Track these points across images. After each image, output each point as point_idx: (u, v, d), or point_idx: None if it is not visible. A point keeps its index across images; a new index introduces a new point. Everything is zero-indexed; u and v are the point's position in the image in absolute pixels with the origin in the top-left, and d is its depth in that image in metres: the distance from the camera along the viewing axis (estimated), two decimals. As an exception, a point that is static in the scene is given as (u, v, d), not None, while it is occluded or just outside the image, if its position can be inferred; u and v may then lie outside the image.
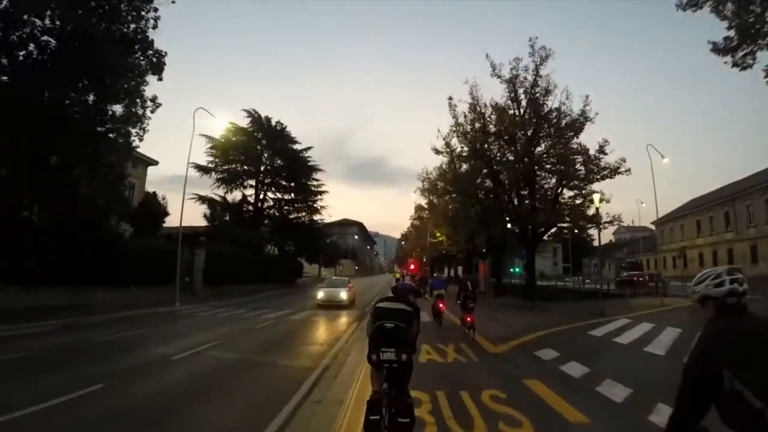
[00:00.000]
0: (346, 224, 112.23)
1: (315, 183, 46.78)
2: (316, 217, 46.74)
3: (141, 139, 19.01)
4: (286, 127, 45.76)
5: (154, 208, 25.90)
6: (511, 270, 61.42)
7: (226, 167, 43.67)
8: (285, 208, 45.83)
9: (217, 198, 41.82)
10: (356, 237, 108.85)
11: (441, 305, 13.05)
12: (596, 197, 17.70)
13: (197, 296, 25.18)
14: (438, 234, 34.25)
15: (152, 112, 18.46)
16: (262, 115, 45.38)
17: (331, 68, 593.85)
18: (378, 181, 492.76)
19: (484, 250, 28.51)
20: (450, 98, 21.36)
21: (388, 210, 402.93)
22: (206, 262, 26.45)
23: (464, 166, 23.53)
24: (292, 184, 45.51)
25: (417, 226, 67.92)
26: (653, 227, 55.62)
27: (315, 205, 46.40)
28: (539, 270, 48.15)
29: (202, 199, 41.46)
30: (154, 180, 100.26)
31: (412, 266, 73.02)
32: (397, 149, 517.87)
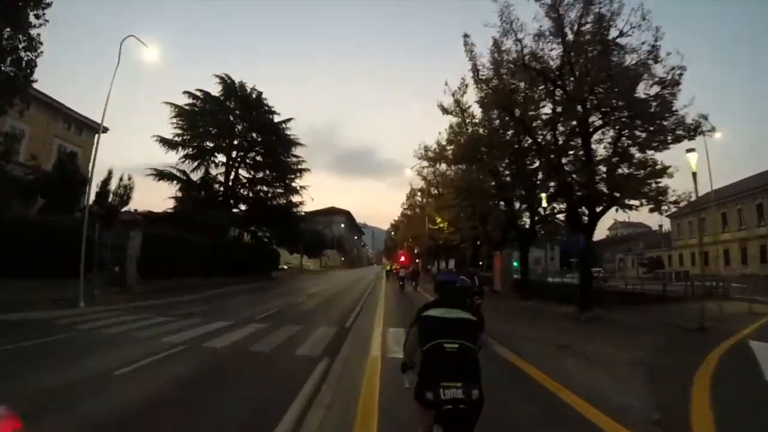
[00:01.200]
0: (332, 213, 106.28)
1: (294, 159, 40.89)
2: (296, 199, 40.85)
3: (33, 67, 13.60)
4: (262, 93, 39.71)
5: (68, 172, 19.71)
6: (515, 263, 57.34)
7: (195, 143, 37.60)
8: (260, 188, 39.83)
9: (176, 173, 35.63)
10: (342, 226, 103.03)
11: None
12: (691, 158, 12.28)
13: (130, 292, 19.41)
14: (438, 219, 28.75)
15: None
16: (236, 81, 39.18)
17: (319, 59, 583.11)
18: (366, 173, 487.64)
19: (496, 238, 23.00)
20: (466, 36, 15.76)
21: (376, 202, 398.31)
22: (144, 248, 20.55)
23: (480, 129, 17.91)
24: (269, 161, 39.52)
25: (409, 216, 62.43)
26: (650, 224, 51.19)
27: (294, 185, 40.49)
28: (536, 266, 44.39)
29: (161, 175, 35.30)
30: (126, 168, 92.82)
31: (402, 258, 68.27)
32: (385, 141, 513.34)
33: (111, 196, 24.37)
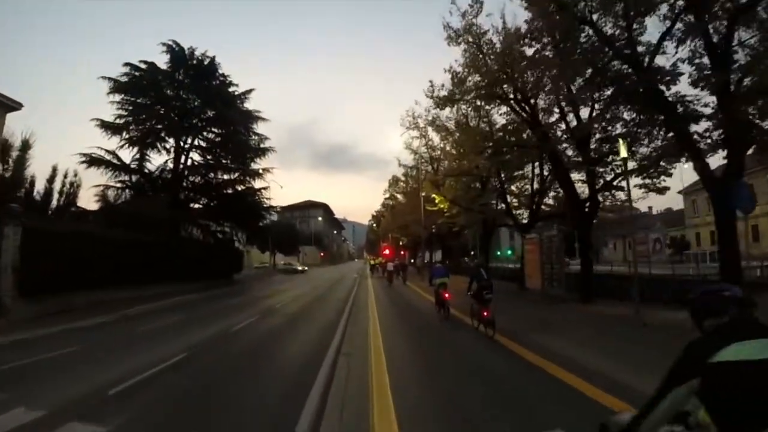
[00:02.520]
0: (309, 206, 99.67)
1: (256, 138, 34.36)
2: (258, 185, 34.34)
3: None
4: (215, 58, 32.92)
5: None
6: (498, 253, 50.37)
7: (141, 125, 30.73)
8: (216, 174, 33.15)
9: (106, 157, 28.72)
10: (320, 219, 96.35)
11: (447, 294, 11.71)
12: None
13: (4, 318, 13.01)
14: (438, 199, 22.98)
15: None
16: (185, 48, 32.27)
17: (294, 56, 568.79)
18: (345, 168, 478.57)
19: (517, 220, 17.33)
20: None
21: (356, 197, 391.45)
22: (27, 252, 14.11)
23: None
24: (227, 140, 32.88)
25: (393, 206, 56.61)
26: (637, 206, 46.78)
27: (256, 168, 33.98)
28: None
29: (91, 162, 28.34)
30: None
31: (386, 251, 62.58)
32: (364, 136, 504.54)
33: (56, 195, 21.90)
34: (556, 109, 12.79)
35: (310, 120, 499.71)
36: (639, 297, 10.69)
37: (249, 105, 34.29)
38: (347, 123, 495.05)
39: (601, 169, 13.45)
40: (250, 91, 34.30)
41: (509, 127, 13.39)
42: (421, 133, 27.72)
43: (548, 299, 13.92)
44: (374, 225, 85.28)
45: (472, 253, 74.50)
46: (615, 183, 13.27)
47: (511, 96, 12.55)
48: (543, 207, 18.02)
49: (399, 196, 55.08)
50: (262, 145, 34.27)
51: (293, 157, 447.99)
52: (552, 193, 17.96)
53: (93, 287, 17.16)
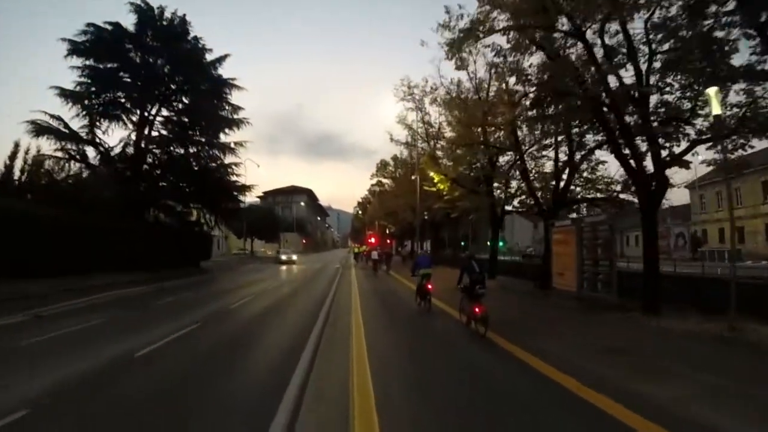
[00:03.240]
0: (292, 192, 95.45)
1: (229, 109, 30.36)
2: (230, 160, 30.40)
3: None
4: (186, 16, 28.70)
5: None
6: (501, 243, 48.52)
7: (105, 94, 26.59)
8: (188, 150, 29.07)
9: (54, 124, 24.51)
10: (302, 204, 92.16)
11: (429, 286, 11.24)
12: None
13: None
14: (436, 178, 19.46)
15: None
16: (155, 8, 27.86)
17: (280, 44, 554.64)
18: (331, 156, 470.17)
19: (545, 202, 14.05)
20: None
21: (342, 185, 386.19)
22: None
23: None
24: (197, 111, 28.76)
25: (381, 192, 53.07)
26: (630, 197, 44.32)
27: (228, 142, 30.02)
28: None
29: (39, 131, 24.06)
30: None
31: (372, 239, 59.38)
32: (349, 126, 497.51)
33: (19, 173, 21.24)
34: (624, 50, 9.36)
35: (296, 108, 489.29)
36: (733, 307, 7.50)
37: (225, 73, 30.27)
38: (334, 112, 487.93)
39: (663, 139, 10.08)
40: (224, 57, 30.25)
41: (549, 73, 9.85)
42: (417, 105, 24.21)
43: (588, 305, 10.65)
44: (359, 212, 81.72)
45: (462, 243, 71.64)
46: (685, 156, 9.89)
47: (563, 27, 9.05)
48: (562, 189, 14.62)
49: (387, 182, 51.69)
50: (236, 116, 30.31)
51: (280, 144, 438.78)
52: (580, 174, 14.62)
53: (17, 276, 13.77)
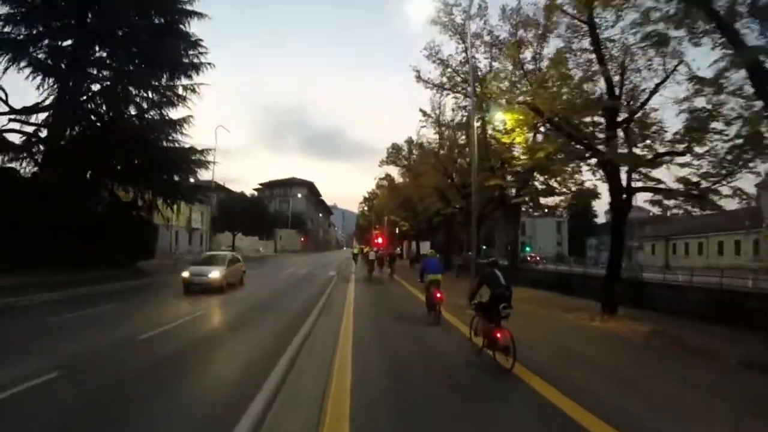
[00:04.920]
0: (290, 184, 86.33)
1: (185, 45, 21.48)
2: (181, 114, 21.61)
3: None
4: None
5: None
6: (527, 248, 41.89)
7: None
8: (113, 95, 20.06)
9: None
10: (300, 196, 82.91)
11: (439, 294, 9.58)
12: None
13: None
14: (511, 119, 10.24)
15: None
16: None
17: (285, 39, 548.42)
18: (336, 155, 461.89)
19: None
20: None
21: (347, 183, 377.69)
22: None
23: None
24: (139, 45, 19.77)
25: (392, 186, 43.76)
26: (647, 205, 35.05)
27: (181, 93, 21.12)
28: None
29: None
30: None
31: (379, 239, 50.52)
32: (355, 124, 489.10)
33: None
34: None
35: (301, 103, 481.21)
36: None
37: (234, 60, 21.25)
38: (339, 109, 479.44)
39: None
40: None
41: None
42: (457, 30, 15.40)
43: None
44: (365, 209, 72.38)
45: (484, 247, 61.58)
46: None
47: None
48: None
49: (397, 172, 42.60)
50: (198, 57, 21.44)
51: (284, 141, 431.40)
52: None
53: None
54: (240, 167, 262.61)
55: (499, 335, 5.95)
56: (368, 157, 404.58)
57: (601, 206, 69.73)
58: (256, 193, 78.70)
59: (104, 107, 20.32)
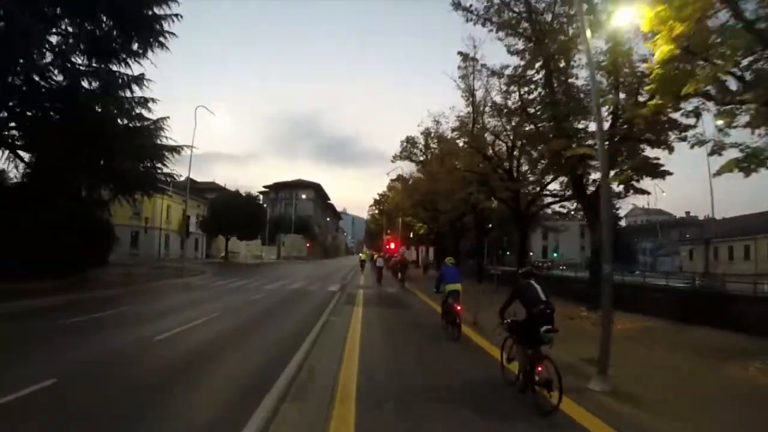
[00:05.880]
0: (296, 186, 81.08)
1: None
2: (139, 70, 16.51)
3: None
4: None
5: None
6: (555, 254, 36.36)
7: None
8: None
9: None
10: (304, 197, 77.56)
11: (459, 307, 8.53)
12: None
13: None
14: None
15: None
16: None
17: (297, 45, 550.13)
18: (347, 162, 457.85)
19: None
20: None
21: (358, 190, 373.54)
22: None
23: None
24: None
25: (409, 182, 38.31)
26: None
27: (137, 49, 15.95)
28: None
29: None
30: None
31: (391, 244, 45.10)
32: (367, 131, 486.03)
33: None
34: None
35: (314, 112, 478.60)
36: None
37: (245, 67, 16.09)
38: (351, 117, 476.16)
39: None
40: None
41: None
42: None
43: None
44: (375, 212, 66.78)
45: (507, 252, 54.95)
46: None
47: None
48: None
49: (410, 170, 37.21)
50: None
51: (295, 148, 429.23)
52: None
53: None
54: (251, 174, 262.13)
55: (539, 368, 4.71)
56: (379, 165, 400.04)
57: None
58: (261, 196, 73.87)
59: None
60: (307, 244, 70.83)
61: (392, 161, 38.98)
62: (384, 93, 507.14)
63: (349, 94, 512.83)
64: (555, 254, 56.18)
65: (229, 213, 36.92)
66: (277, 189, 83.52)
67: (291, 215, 72.49)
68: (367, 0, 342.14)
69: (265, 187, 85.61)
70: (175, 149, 19.83)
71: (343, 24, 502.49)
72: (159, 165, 19.59)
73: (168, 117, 18.40)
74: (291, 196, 78.86)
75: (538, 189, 18.20)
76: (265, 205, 57.54)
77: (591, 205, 12.40)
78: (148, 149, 18.50)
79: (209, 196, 50.27)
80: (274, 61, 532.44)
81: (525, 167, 17.61)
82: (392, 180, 52.68)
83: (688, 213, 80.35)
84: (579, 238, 77.39)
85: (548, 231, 61.56)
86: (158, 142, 18.94)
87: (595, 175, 12.50)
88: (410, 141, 38.00)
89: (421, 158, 37.27)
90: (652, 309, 13.76)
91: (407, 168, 39.35)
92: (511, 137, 16.41)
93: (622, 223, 74.49)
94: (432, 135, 34.78)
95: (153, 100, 18.13)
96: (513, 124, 15.60)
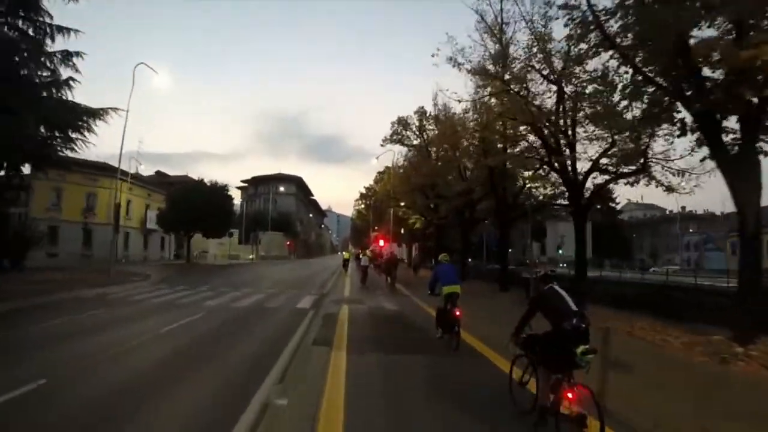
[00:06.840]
0: (276, 179, 74.83)
1: None
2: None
3: None
4: None
5: None
6: (559, 251, 33.55)
7: None
8: None
9: None
10: (283, 189, 71.37)
11: (457, 312, 7.31)
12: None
13: None
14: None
15: None
16: None
17: (285, 45, 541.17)
18: (332, 160, 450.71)
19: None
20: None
21: (343, 188, 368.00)
22: None
23: None
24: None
25: (398, 169, 33.07)
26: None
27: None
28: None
29: None
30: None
31: (381, 242, 40.35)
32: (352, 131, 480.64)
33: None
34: None
35: (299, 111, 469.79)
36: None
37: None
38: (337, 115, 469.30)
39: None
40: None
41: None
42: None
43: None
44: (362, 206, 61.36)
45: (523, 252, 50.32)
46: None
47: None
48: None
49: (404, 154, 32.13)
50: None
51: (282, 147, 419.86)
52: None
53: None
54: (236, 172, 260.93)
55: (571, 395, 3.49)
56: (364, 162, 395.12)
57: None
58: (228, 185, 67.62)
59: None
60: (288, 243, 64.90)
61: (381, 145, 33.82)
62: (369, 93, 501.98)
63: (334, 94, 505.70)
64: (559, 251, 51.40)
65: (190, 205, 30.72)
66: (256, 183, 77.35)
67: (272, 212, 66.47)
68: (366, 0, 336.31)
69: (243, 181, 79.39)
70: (97, 113, 14.60)
71: (339, 24, 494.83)
72: (73, 134, 14.38)
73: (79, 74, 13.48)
74: (270, 190, 72.80)
75: (590, 163, 13.02)
76: (237, 200, 51.40)
77: (737, 170, 7.19)
78: (52, 108, 13.26)
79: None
80: (267, 60, 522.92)
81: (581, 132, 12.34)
82: (379, 173, 47.63)
83: (683, 208, 76.98)
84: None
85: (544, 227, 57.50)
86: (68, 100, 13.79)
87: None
88: (402, 122, 32.99)
89: (415, 141, 32.52)
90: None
91: (399, 153, 34.50)
92: (563, 83, 11.23)
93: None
94: (429, 115, 30.36)
95: (79, 54, 13.59)
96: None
